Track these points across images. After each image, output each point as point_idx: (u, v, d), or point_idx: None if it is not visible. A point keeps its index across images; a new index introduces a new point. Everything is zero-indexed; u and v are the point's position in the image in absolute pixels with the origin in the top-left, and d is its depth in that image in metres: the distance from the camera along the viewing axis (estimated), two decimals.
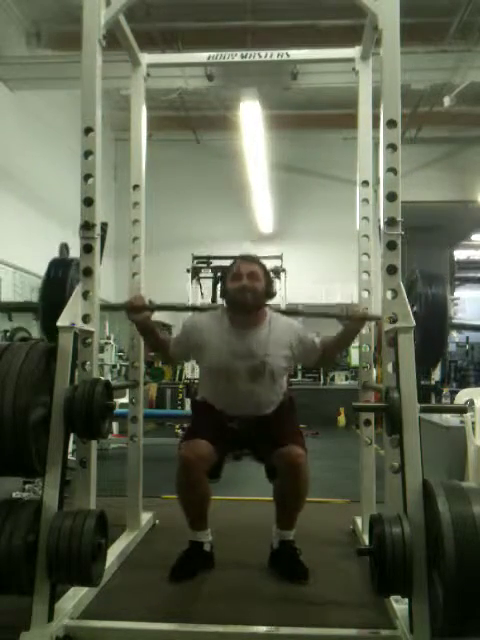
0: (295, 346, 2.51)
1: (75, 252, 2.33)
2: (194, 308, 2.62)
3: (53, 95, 7.53)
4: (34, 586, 1.81)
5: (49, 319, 2.22)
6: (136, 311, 2.47)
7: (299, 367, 10.09)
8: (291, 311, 2.63)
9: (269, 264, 8.05)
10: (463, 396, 3.53)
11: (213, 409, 2.52)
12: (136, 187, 2.87)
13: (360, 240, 2.78)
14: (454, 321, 2.74)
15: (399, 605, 1.91)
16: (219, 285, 2.58)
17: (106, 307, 2.34)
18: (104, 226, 2.30)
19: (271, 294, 2.53)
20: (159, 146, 7.79)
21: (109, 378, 6.69)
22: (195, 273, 7.74)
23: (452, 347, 10.98)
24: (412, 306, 2.27)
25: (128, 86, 3.02)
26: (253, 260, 2.53)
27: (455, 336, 10.54)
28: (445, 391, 8.27)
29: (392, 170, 2.08)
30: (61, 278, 2.31)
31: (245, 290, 2.41)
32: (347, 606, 2.15)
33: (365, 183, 2.81)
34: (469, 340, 11.22)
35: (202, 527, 2.46)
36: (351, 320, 2.47)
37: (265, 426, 2.46)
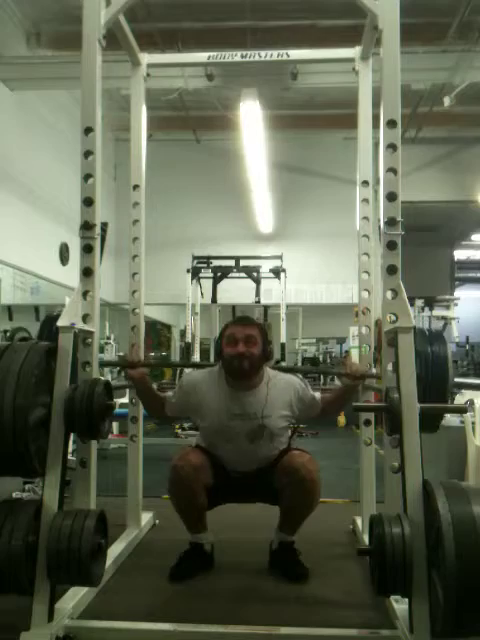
0: (295, 405, 2.47)
1: (75, 252, 2.33)
2: (191, 365, 2.60)
3: (53, 95, 7.52)
4: (34, 586, 1.81)
5: None
6: (132, 367, 2.49)
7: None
8: (290, 368, 2.61)
9: (269, 264, 8.06)
10: (463, 396, 3.53)
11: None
12: (136, 187, 2.87)
13: (360, 240, 2.78)
14: (457, 380, 2.60)
15: (399, 605, 1.91)
16: (216, 345, 2.51)
17: (103, 364, 2.32)
18: (104, 226, 2.31)
19: (269, 356, 2.48)
20: (159, 146, 7.79)
21: (109, 378, 6.69)
22: (195, 273, 7.74)
23: (452, 347, 10.98)
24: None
25: (128, 86, 3.02)
26: (249, 322, 2.50)
27: (455, 336, 10.53)
28: None
29: (392, 170, 2.08)
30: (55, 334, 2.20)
31: (242, 357, 2.35)
32: (347, 606, 2.15)
33: (365, 183, 2.81)
34: (469, 340, 11.22)
35: (200, 530, 2.46)
36: (350, 378, 2.46)
37: (268, 470, 2.43)
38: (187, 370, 4.42)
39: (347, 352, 2.53)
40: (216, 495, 2.42)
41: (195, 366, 2.59)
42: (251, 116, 6.94)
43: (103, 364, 2.32)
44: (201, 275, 7.80)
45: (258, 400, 2.41)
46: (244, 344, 2.36)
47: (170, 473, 2.34)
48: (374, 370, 2.70)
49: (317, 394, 2.54)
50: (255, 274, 7.30)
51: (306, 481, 2.30)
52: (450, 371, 2.17)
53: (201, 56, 2.98)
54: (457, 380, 2.20)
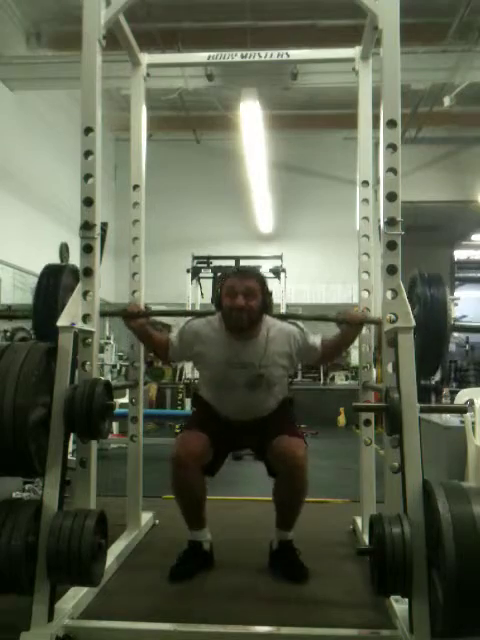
0: (294, 353, 2.49)
1: (75, 252, 2.33)
2: (191, 313, 2.59)
3: (53, 95, 7.53)
4: (34, 586, 1.81)
5: (42, 325, 2.23)
6: (132, 318, 2.49)
7: (299, 367, 10.11)
8: (289, 315, 2.59)
9: (269, 264, 8.07)
10: (463, 396, 3.53)
11: (213, 407, 2.53)
12: (136, 187, 2.87)
13: (360, 240, 2.78)
14: (456, 323, 2.54)
15: (399, 605, 1.91)
16: (215, 293, 2.52)
17: (103, 313, 2.33)
18: (104, 226, 2.30)
19: (268, 307, 2.47)
20: (159, 146, 7.80)
21: (109, 378, 6.69)
22: (195, 273, 7.75)
23: (452, 347, 10.98)
24: (412, 308, 2.26)
25: (128, 86, 3.02)
26: (249, 275, 2.46)
27: (455, 336, 10.53)
28: (445, 391, 8.26)
29: (392, 170, 2.08)
30: (53, 285, 2.26)
31: (241, 310, 2.35)
32: (347, 606, 2.15)
33: (365, 183, 2.81)
34: (469, 340, 11.22)
35: (200, 526, 2.46)
36: (349, 324, 2.46)
37: (264, 423, 2.47)
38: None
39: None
40: (215, 460, 2.46)
41: (195, 314, 2.59)
42: (251, 116, 6.95)
43: (103, 314, 2.33)
44: (201, 275, 7.80)
45: (257, 350, 2.41)
46: (244, 297, 2.34)
47: (171, 464, 2.35)
48: (371, 313, 2.70)
49: (317, 339, 2.52)
50: None
51: (296, 468, 2.32)
52: (448, 314, 2.17)
53: (201, 56, 2.98)
54: (458, 324, 2.21)
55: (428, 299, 2.14)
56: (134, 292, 2.85)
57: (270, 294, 2.48)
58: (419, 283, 2.20)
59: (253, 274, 2.49)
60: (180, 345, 2.52)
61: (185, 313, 2.65)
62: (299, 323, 2.58)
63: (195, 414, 2.68)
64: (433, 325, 2.14)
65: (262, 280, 2.46)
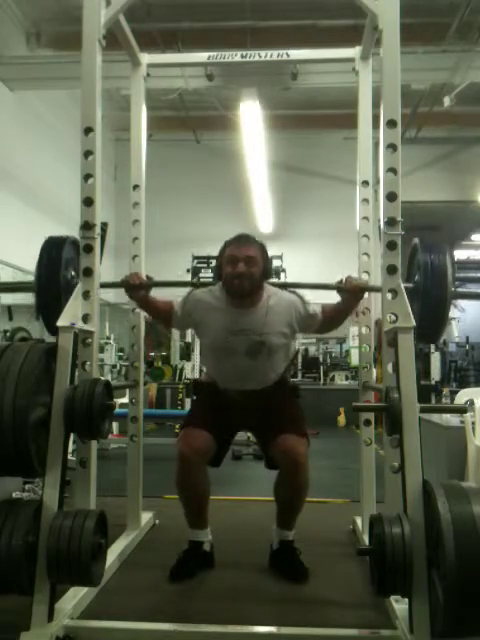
0: (295, 322, 2.47)
1: None
2: (192, 284, 2.58)
3: (53, 95, 7.53)
4: (34, 586, 1.81)
5: (44, 298, 2.23)
6: (133, 289, 2.46)
7: (299, 367, 10.11)
8: (290, 284, 2.59)
9: None
10: (463, 396, 3.53)
11: (215, 387, 2.52)
12: (136, 187, 2.87)
13: (360, 240, 2.78)
14: (457, 290, 2.47)
15: (399, 605, 1.91)
16: (217, 263, 2.51)
17: (104, 285, 2.33)
18: (104, 226, 2.30)
19: (269, 274, 2.48)
20: (159, 146, 7.79)
21: (109, 378, 6.69)
22: (195, 273, 7.74)
23: (452, 347, 10.97)
24: (413, 275, 2.25)
25: (128, 86, 3.02)
26: (249, 241, 2.45)
27: (455, 336, 10.52)
28: (445, 391, 8.26)
29: (392, 170, 2.08)
30: (55, 257, 2.26)
31: (242, 277, 2.35)
32: (347, 606, 2.15)
33: (365, 183, 2.81)
34: (469, 340, 11.21)
35: (201, 526, 2.46)
36: (349, 292, 2.40)
37: (267, 402, 2.45)
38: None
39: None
40: (219, 450, 2.46)
41: (197, 285, 2.58)
42: (251, 116, 6.96)
43: (104, 285, 2.34)
44: (201, 275, 7.80)
45: (258, 318, 2.41)
46: (244, 264, 2.35)
47: (177, 460, 2.36)
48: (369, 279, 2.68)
49: (317, 309, 2.52)
50: None
51: (297, 467, 2.33)
52: (449, 280, 2.15)
53: (201, 56, 2.98)
54: (459, 291, 2.22)
55: (428, 265, 2.14)
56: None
57: (270, 261, 2.49)
58: (420, 250, 2.20)
59: (253, 241, 2.47)
60: (182, 313, 2.51)
61: (188, 284, 2.63)
62: (299, 292, 2.56)
63: (195, 403, 2.69)
64: (434, 291, 2.13)
65: (262, 247, 2.45)
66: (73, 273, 2.31)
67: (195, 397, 2.73)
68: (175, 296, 2.55)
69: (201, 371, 8.80)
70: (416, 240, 2.25)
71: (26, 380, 1.85)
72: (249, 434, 5.57)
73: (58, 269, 2.23)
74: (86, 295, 2.16)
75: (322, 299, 2.58)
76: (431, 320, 2.20)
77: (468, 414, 3.18)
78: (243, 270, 2.34)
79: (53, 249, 2.28)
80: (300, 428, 2.44)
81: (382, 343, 2.14)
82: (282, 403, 2.49)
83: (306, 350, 10.98)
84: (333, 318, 2.53)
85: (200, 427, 2.41)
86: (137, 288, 2.45)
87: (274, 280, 2.53)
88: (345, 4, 2.60)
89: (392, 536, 1.71)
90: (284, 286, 2.62)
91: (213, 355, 2.53)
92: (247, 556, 2.63)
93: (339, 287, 2.38)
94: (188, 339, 8.34)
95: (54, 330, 2.19)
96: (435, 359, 9.20)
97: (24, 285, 2.35)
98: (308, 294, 2.54)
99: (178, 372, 9.23)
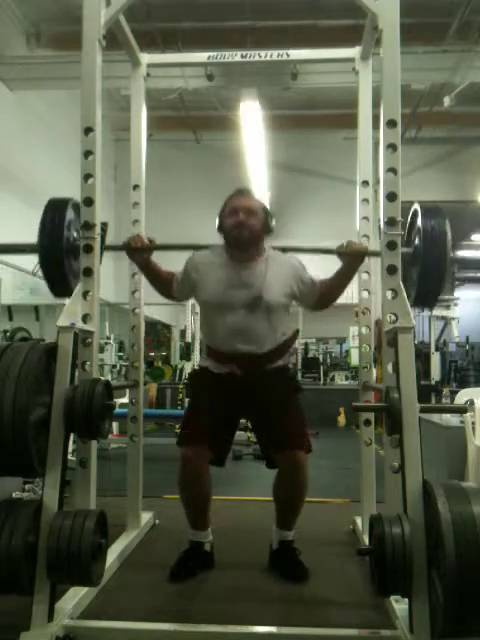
0: (295, 284, 2.45)
1: None
2: (195, 246, 2.56)
3: (53, 95, 7.52)
4: (34, 586, 1.81)
5: (48, 260, 2.22)
6: (135, 251, 2.43)
7: (299, 366, 10.11)
8: (290, 248, 2.57)
9: None
10: (463, 396, 3.53)
11: (210, 373, 2.44)
12: (136, 187, 2.87)
13: (360, 240, 2.78)
14: (456, 256, 2.43)
15: (399, 605, 1.91)
16: (219, 218, 2.49)
17: (107, 248, 2.35)
18: (104, 226, 2.30)
19: (269, 230, 2.48)
20: (159, 146, 7.80)
21: (109, 378, 6.69)
22: None
23: (452, 347, 10.98)
24: (412, 240, 2.24)
25: (128, 86, 3.01)
26: (250, 194, 2.50)
27: (455, 336, 10.53)
28: (445, 391, 8.26)
29: (392, 170, 2.08)
30: (58, 219, 2.24)
31: (242, 226, 2.36)
32: (347, 606, 2.15)
33: (365, 183, 2.81)
34: (469, 340, 11.23)
35: (203, 526, 2.45)
36: (350, 255, 2.34)
37: (268, 389, 2.38)
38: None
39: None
40: (222, 447, 2.45)
41: (199, 248, 2.56)
42: (251, 116, 6.96)
43: (106, 248, 2.34)
44: None
45: (257, 272, 2.40)
46: (244, 214, 2.37)
47: (179, 461, 2.36)
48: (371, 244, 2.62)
49: (315, 279, 2.50)
50: None
51: (296, 467, 2.34)
52: (448, 246, 2.14)
53: (201, 56, 2.98)
54: (459, 255, 2.20)
55: (428, 230, 2.13)
56: (134, 292, 2.86)
57: (271, 216, 2.49)
58: (419, 215, 2.18)
59: (253, 196, 2.50)
60: (183, 277, 2.50)
61: (190, 247, 2.61)
62: (297, 258, 2.57)
63: (192, 400, 2.61)
64: (433, 254, 2.11)
65: (262, 203, 2.49)
66: (75, 234, 2.29)
67: (191, 389, 2.66)
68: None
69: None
70: (416, 205, 2.24)
71: (26, 380, 1.85)
72: (249, 434, 5.58)
73: (60, 230, 2.21)
74: (86, 295, 2.16)
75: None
76: (429, 284, 2.18)
77: (468, 414, 3.18)
78: (243, 219, 2.36)
79: (55, 211, 2.27)
80: (301, 430, 2.43)
81: (382, 343, 2.14)
82: (283, 399, 2.44)
83: (306, 350, 10.99)
84: (331, 288, 2.47)
85: (201, 426, 2.38)
86: (139, 251, 2.42)
87: (275, 245, 2.52)
88: (345, 4, 2.60)
89: (392, 536, 1.71)
90: (284, 250, 2.59)
91: (212, 313, 2.45)
92: (247, 556, 2.63)
93: (340, 251, 2.34)
94: (188, 339, 8.35)
95: (57, 292, 2.25)
96: (435, 359, 9.21)
97: (26, 246, 2.33)
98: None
99: (178, 372, 9.24)
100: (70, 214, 2.26)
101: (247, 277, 2.39)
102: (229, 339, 2.40)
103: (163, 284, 2.54)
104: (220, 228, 2.46)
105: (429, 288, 2.19)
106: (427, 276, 2.14)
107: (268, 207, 2.51)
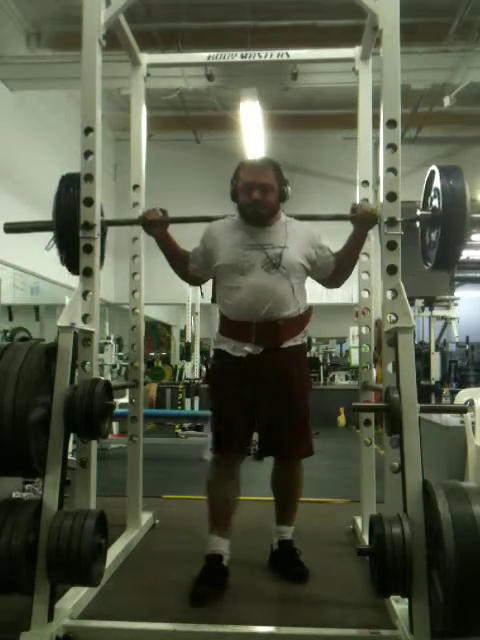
0: (314, 248, 2.39)
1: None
2: (208, 218, 2.53)
3: (53, 95, 7.52)
4: (34, 586, 1.81)
5: (63, 234, 2.26)
6: (152, 225, 2.39)
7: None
8: (305, 216, 2.52)
9: None
10: (463, 396, 3.53)
11: (230, 362, 2.33)
12: (136, 187, 2.87)
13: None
14: (475, 216, 2.37)
15: (399, 605, 1.91)
16: (231, 186, 2.43)
17: (110, 223, 2.38)
18: (104, 226, 2.31)
19: (285, 196, 2.38)
20: (159, 146, 7.79)
21: (109, 378, 6.69)
22: None
23: (452, 347, 10.97)
24: (430, 202, 2.22)
25: (128, 86, 3.02)
26: (264, 168, 2.36)
27: (455, 336, 10.52)
28: (445, 391, 8.26)
29: (392, 170, 2.09)
30: (73, 193, 2.26)
31: (257, 205, 2.29)
32: (347, 606, 2.15)
33: (365, 183, 2.81)
34: (469, 340, 11.22)
35: (224, 531, 2.37)
36: (364, 219, 2.25)
37: (283, 370, 2.31)
38: None
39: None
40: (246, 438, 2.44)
41: (213, 219, 2.51)
42: (251, 116, 6.96)
43: (109, 223, 2.38)
44: None
45: (275, 233, 2.34)
46: (259, 192, 2.28)
47: (210, 464, 2.42)
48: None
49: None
50: None
51: (291, 467, 2.43)
52: (468, 207, 2.09)
53: (201, 56, 2.98)
54: (475, 216, 2.18)
55: (447, 190, 2.10)
56: (134, 292, 2.86)
57: (286, 182, 2.39)
58: (437, 176, 2.15)
59: (268, 164, 2.39)
60: (200, 248, 2.44)
61: (203, 219, 2.57)
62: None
63: (216, 399, 2.45)
64: (453, 214, 2.09)
65: (277, 169, 2.37)
66: None
67: (213, 387, 2.50)
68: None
69: (201, 369, 8.82)
70: (433, 166, 2.22)
71: (26, 380, 1.85)
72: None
73: (76, 205, 2.21)
74: (86, 295, 2.16)
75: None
76: (451, 244, 2.14)
77: (468, 414, 3.18)
78: (258, 197, 2.29)
79: (70, 185, 2.27)
80: (305, 436, 2.44)
81: (382, 343, 2.14)
82: (295, 399, 2.35)
83: (308, 351, 10.99)
84: (344, 259, 2.41)
85: (232, 433, 2.35)
86: (155, 223, 2.38)
87: (288, 213, 2.46)
88: (345, 4, 2.59)
89: (392, 536, 1.71)
90: (300, 219, 2.50)
91: (229, 277, 2.34)
92: (247, 556, 2.63)
93: (354, 216, 2.27)
94: (188, 339, 8.34)
95: (74, 269, 2.24)
96: (435, 359, 9.21)
97: (41, 224, 2.35)
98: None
99: (178, 372, 9.24)
100: None
101: (265, 238, 2.33)
102: (247, 303, 2.29)
103: (180, 260, 2.47)
104: (234, 198, 2.40)
105: (450, 249, 2.16)
106: (448, 237, 2.11)
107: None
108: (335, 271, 2.43)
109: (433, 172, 2.21)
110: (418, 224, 2.30)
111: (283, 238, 2.33)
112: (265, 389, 2.32)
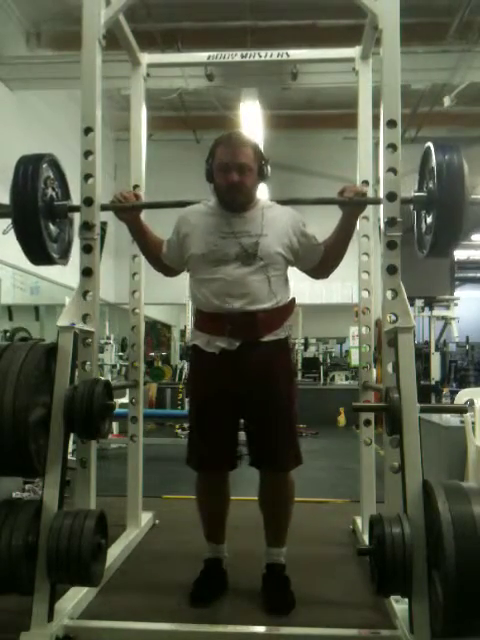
0: (296, 235, 2.22)
1: (75, 252, 2.32)
2: (186, 203, 2.42)
3: (53, 95, 7.52)
4: (34, 586, 1.81)
5: (22, 223, 2.11)
6: (122, 210, 2.26)
7: (299, 366, 10.11)
8: (289, 200, 2.37)
9: None
10: (463, 396, 3.53)
11: (206, 360, 2.17)
12: (136, 187, 2.87)
13: (360, 240, 2.78)
14: (474, 197, 2.20)
15: (399, 605, 1.92)
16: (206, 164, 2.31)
17: (72, 208, 2.23)
18: (104, 226, 2.30)
19: (264, 175, 2.21)
20: (159, 146, 7.79)
21: (109, 378, 6.69)
22: None
23: (452, 347, 10.98)
24: (425, 183, 2.11)
25: (128, 86, 3.02)
26: (243, 143, 2.17)
27: (455, 336, 10.53)
28: (445, 391, 8.27)
29: (392, 170, 2.09)
30: (31, 175, 2.09)
31: (235, 189, 2.13)
32: (347, 606, 2.15)
33: (365, 183, 2.81)
34: (469, 340, 11.23)
35: (220, 539, 2.35)
36: (352, 201, 2.14)
37: (265, 366, 2.13)
38: None
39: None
40: (232, 449, 2.27)
41: (189, 204, 2.41)
42: (251, 116, 6.96)
43: (72, 209, 2.27)
44: None
45: (253, 219, 2.17)
46: (237, 173, 2.12)
47: (197, 479, 2.30)
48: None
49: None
50: None
51: (281, 480, 2.26)
52: (466, 186, 1.96)
53: (201, 56, 2.98)
54: (474, 197, 2.02)
55: (443, 169, 1.96)
56: (134, 292, 2.86)
57: (266, 161, 2.21)
58: (432, 154, 2.01)
59: (245, 142, 2.19)
60: (173, 235, 2.30)
61: (179, 204, 2.44)
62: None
63: (193, 413, 2.30)
64: (449, 194, 1.95)
65: (255, 148, 2.19)
66: (53, 193, 2.18)
67: (190, 395, 2.41)
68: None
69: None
70: (429, 143, 2.05)
71: (26, 380, 1.85)
72: None
73: (35, 188, 2.06)
74: (86, 295, 2.16)
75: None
76: (447, 228, 2.01)
77: (468, 414, 3.18)
78: (236, 180, 2.12)
79: (28, 167, 2.10)
80: (291, 445, 2.22)
81: (382, 343, 2.14)
82: (279, 402, 2.17)
83: (306, 350, 10.99)
84: (334, 245, 2.25)
85: (211, 447, 2.22)
86: (129, 209, 2.24)
87: (272, 201, 2.31)
88: (345, 4, 2.59)
89: (392, 536, 1.71)
90: (283, 203, 2.37)
91: (202, 268, 2.18)
92: (247, 556, 2.62)
93: (342, 200, 2.15)
94: (188, 338, 8.33)
95: (34, 258, 2.16)
96: (435, 359, 9.22)
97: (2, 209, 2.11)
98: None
99: (178, 372, 9.24)
100: (47, 171, 2.16)
101: (241, 225, 2.16)
102: (220, 295, 2.13)
103: (153, 248, 2.34)
104: (209, 178, 2.25)
105: (447, 233, 2.03)
106: (444, 219, 1.99)
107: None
108: (323, 260, 2.27)
109: (428, 149, 2.05)
110: (412, 207, 2.19)
111: (260, 225, 2.15)
112: (246, 391, 2.15)
